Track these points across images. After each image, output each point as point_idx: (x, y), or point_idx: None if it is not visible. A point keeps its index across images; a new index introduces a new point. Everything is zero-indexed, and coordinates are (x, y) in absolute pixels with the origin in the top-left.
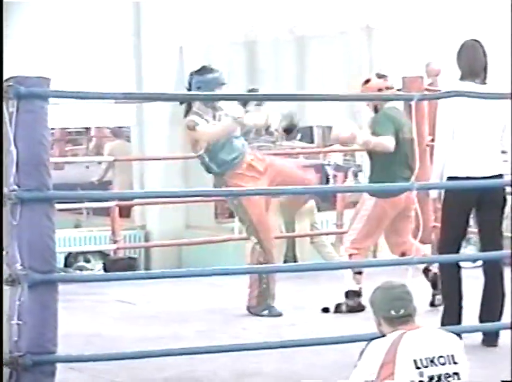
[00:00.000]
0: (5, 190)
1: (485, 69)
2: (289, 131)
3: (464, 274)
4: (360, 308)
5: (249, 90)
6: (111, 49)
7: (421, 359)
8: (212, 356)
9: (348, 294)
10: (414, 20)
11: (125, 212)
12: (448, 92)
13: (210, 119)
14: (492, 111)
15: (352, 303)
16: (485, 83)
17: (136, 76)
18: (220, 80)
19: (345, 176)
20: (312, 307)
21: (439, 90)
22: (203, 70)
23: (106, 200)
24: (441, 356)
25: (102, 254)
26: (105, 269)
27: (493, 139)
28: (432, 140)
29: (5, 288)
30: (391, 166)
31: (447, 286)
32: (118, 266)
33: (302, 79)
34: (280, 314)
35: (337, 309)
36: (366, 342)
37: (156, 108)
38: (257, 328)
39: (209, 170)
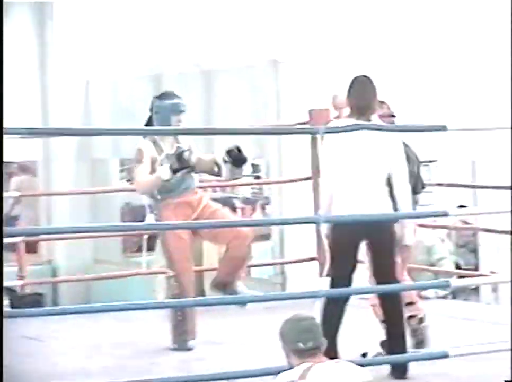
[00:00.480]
0: None
1: (370, 106)
2: (238, 163)
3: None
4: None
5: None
6: (17, 83)
7: None
8: None
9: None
10: (321, 54)
11: (32, 247)
12: (353, 124)
13: (166, 146)
14: (376, 148)
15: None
16: (369, 120)
17: (42, 110)
18: (177, 107)
19: (253, 209)
20: (221, 341)
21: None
22: (163, 95)
23: (13, 236)
24: None
25: (9, 290)
26: (12, 306)
27: (376, 177)
28: None
29: None
30: None
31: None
32: (25, 302)
33: (209, 112)
34: (190, 349)
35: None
36: (274, 375)
37: (63, 143)
38: (167, 362)
39: (151, 195)
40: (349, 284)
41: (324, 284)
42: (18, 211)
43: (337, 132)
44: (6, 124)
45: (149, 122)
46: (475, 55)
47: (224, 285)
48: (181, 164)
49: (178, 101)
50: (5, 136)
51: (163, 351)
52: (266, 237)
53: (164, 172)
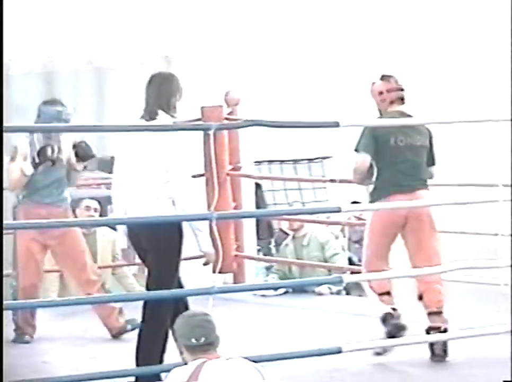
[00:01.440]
0: None
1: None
2: (83, 159)
3: (267, 301)
4: (402, 328)
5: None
6: None
7: None
8: None
9: (385, 319)
10: (213, 50)
11: None
12: (246, 121)
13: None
14: (152, 148)
15: (391, 327)
16: (153, 119)
17: None
18: (60, 115)
19: None
20: (111, 340)
21: (239, 120)
22: (50, 102)
23: None
24: None
25: None
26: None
27: (151, 178)
28: (234, 168)
29: None
30: (385, 173)
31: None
32: None
33: (102, 110)
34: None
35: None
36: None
37: None
38: (58, 360)
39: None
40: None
41: (217, 281)
42: None
43: (230, 128)
44: None
45: None
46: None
47: None
48: (43, 158)
49: (63, 109)
50: None
51: (56, 350)
52: None
53: (26, 167)
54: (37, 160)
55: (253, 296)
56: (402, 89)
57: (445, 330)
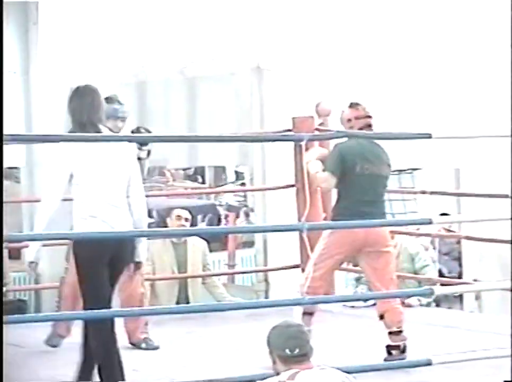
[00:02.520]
0: None
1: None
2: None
3: (356, 312)
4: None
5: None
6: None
7: None
8: None
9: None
10: (305, 61)
11: (15, 254)
12: (338, 131)
13: None
14: (117, 159)
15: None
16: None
17: (25, 116)
18: (115, 112)
19: (237, 216)
20: (204, 349)
21: (330, 131)
22: (106, 99)
23: None
24: None
25: None
26: None
27: (119, 189)
28: None
29: None
30: (346, 200)
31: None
32: (7, 309)
33: (193, 119)
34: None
35: None
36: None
37: (46, 148)
38: (147, 369)
39: None
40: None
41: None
42: None
43: (322, 139)
44: None
45: None
46: (462, 62)
47: None
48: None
49: (119, 107)
50: None
51: (145, 358)
52: (249, 244)
53: None
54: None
55: (343, 308)
56: (370, 117)
57: (404, 349)
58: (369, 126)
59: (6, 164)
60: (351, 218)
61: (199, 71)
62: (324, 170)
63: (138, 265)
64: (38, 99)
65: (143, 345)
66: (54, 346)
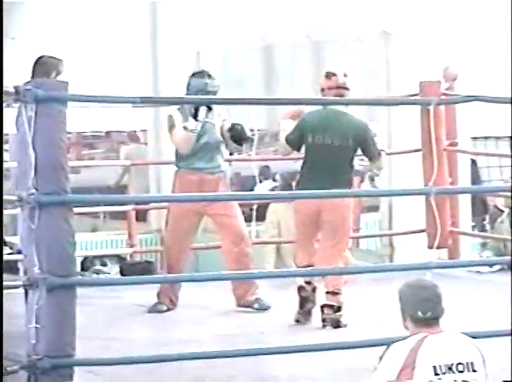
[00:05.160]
0: (23, 193)
1: None
2: (237, 141)
3: (482, 278)
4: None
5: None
6: (128, 53)
7: (440, 366)
8: (229, 361)
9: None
10: (431, 25)
11: (141, 216)
12: (466, 96)
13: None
14: None
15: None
16: None
17: (153, 80)
18: (205, 86)
19: (362, 181)
20: None
21: (457, 95)
22: (197, 73)
23: (123, 204)
24: (460, 363)
25: (119, 258)
26: (122, 273)
27: None
28: (450, 144)
29: (22, 291)
30: (309, 171)
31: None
32: (135, 270)
33: (320, 83)
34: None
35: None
36: (385, 346)
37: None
38: (274, 331)
39: None
40: None
41: (433, 256)
42: (127, 180)
43: (450, 103)
44: (117, 93)
45: None
46: None
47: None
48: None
49: (210, 81)
50: (117, 105)
51: (272, 320)
52: (374, 209)
53: (190, 123)
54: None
55: (468, 273)
56: (342, 87)
57: (338, 309)
58: (340, 96)
59: (133, 127)
60: (306, 186)
61: (325, 36)
62: (286, 136)
63: None
64: (165, 63)
65: (255, 305)
66: (159, 312)
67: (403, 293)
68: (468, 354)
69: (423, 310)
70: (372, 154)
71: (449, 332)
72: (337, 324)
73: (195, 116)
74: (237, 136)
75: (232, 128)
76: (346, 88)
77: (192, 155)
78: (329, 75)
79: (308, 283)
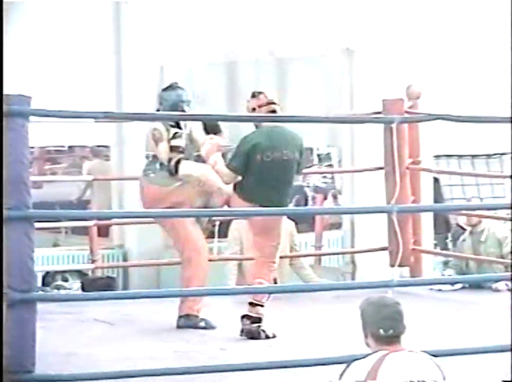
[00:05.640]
0: None
1: None
2: (209, 132)
3: (443, 296)
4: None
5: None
6: (92, 68)
7: None
8: (189, 377)
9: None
10: (395, 43)
11: (103, 231)
12: (430, 114)
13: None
14: None
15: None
16: None
17: (116, 95)
18: (179, 98)
19: (325, 198)
20: (291, 330)
21: (420, 113)
22: (169, 87)
23: (85, 219)
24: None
25: (80, 274)
26: (83, 289)
27: None
28: (413, 162)
29: None
30: (256, 185)
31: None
32: (96, 285)
33: (282, 100)
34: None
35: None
36: (346, 363)
37: (136, 127)
38: (235, 348)
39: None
40: None
41: (395, 274)
42: (90, 195)
43: (413, 122)
44: (80, 108)
45: None
46: None
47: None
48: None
49: (182, 92)
50: (79, 120)
51: (233, 338)
52: (337, 226)
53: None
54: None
55: (429, 291)
56: (272, 103)
57: (258, 320)
58: (272, 111)
59: (95, 142)
60: (254, 199)
61: (288, 52)
62: (227, 165)
63: None
64: (129, 78)
65: (201, 324)
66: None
67: (365, 310)
68: (429, 372)
69: (385, 327)
70: (304, 165)
71: (410, 351)
72: (252, 336)
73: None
74: (210, 127)
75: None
76: (276, 103)
77: None
78: (255, 95)
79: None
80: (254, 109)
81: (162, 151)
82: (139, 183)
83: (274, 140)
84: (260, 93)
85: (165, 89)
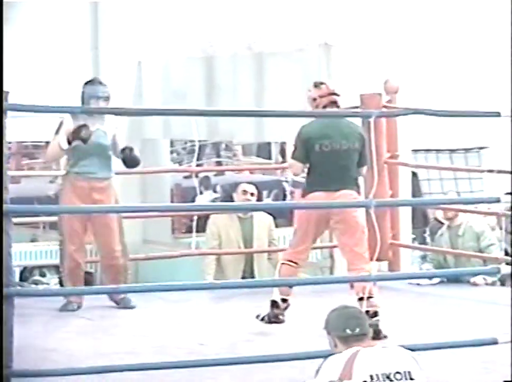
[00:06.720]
0: None
1: None
2: (128, 165)
3: (421, 290)
4: (277, 320)
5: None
6: (69, 63)
7: (377, 375)
8: (168, 372)
9: (272, 304)
10: (373, 38)
11: None
12: (406, 109)
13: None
14: None
15: (271, 313)
16: None
17: None
18: (96, 92)
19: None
20: (268, 325)
21: (398, 108)
22: (88, 81)
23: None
24: (397, 372)
25: (58, 269)
26: (61, 284)
27: None
28: (391, 157)
29: None
30: (318, 177)
31: None
32: None
33: (261, 95)
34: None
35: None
36: (323, 358)
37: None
38: (214, 343)
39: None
40: None
41: (374, 268)
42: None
43: (390, 116)
44: (59, 103)
45: None
46: None
47: None
48: (76, 136)
49: (101, 87)
50: (56, 115)
51: (211, 332)
52: None
53: (63, 141)
54: (70, 137)
55: (408, 285)
56: (334, 94)
57: (375, 314)
58: (333, 103)
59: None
60: (315, 189)
61: (266, 47)
62: (292, 156)
63: None
64: (106, 73)
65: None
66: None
67: (329, 318)
68: (405, 364)
69: (351, 327)
70: (367, 158)
71: (383, 345)
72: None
73: (73, 132)
74: (128, 160)
75: (123, 151)
76: (338, 94)
77: (83, 160)
78: (317, 85)
79: (284, 300)
80: (315, 99)
81: (51, 143)
82: None
83: (329, 131)
84: (322, 83)
85: (86, 83)
